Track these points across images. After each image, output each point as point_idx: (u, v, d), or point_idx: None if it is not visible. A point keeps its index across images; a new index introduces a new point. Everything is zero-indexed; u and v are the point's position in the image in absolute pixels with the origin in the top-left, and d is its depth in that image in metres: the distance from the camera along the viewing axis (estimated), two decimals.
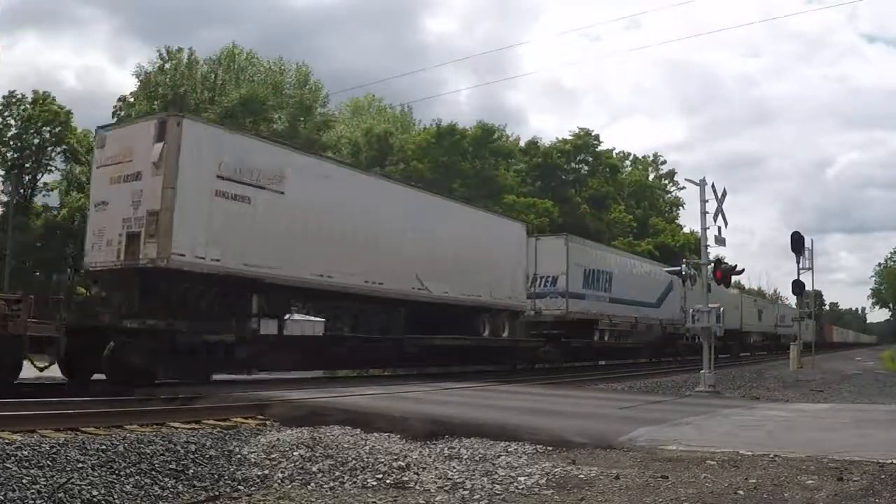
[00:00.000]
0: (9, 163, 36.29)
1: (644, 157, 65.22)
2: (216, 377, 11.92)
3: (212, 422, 7.78)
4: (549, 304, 21.76)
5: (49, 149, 36.83)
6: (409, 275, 15.79)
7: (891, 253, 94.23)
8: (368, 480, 5.49)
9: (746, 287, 64.91)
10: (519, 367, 20.70)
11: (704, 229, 14.78)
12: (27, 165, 36.77)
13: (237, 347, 11.99)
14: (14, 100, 36.15)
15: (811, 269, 26.38)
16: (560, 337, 21.77)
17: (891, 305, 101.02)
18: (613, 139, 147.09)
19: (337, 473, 5.66)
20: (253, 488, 5.31)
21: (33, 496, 4.46)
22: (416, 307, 16.31)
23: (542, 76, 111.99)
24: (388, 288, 15.13)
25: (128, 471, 5.28)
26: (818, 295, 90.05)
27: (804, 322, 53.39)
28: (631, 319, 26.45)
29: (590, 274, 23.64)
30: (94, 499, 4.63)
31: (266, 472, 5.71)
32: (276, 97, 42.07)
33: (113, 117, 37.59)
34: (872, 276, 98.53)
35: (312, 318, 13.77)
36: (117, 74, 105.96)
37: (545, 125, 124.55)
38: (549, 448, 6.55)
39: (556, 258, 21.88)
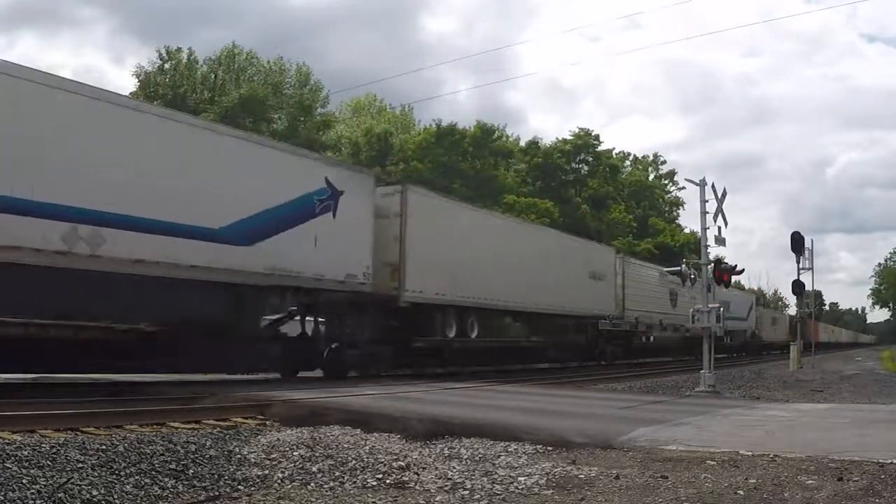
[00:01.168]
0: None
1: (644, 157, 65.12)
2: (217, 377, 11.91)
3: (212, 422, 7.78)
4: None
5: None
6: None
7: (891, 253, 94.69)
8: (368, 480, 5.49)
9: (746, 287, 63.55)
10: None
11: (704, 229, 14.76)
12: None
13: None
14: None
15: (811, 269, 26.36)
16: None
17: (891, 305, 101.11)
18: (613, 139, 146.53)
19: (337, 473, 5.66)
20: (253, 488, 5.31)
21: (33, 496, 4.45)
22: None
23: (542, 76, 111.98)
24: None
25: (128, 471, 5.27)
26: (818, 295, 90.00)
27: (774, 318, 49.91)
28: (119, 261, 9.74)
29: None
30: (94, 499, 4.63)
31: (266, 472, 5.71)
32: (276, 97, 42.07)
33: None
34: (872, 276, 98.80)
35: None
36: (117, 74, 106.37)
37: (545, 125, 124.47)
38: (549, 448, 6.55)
39: None
